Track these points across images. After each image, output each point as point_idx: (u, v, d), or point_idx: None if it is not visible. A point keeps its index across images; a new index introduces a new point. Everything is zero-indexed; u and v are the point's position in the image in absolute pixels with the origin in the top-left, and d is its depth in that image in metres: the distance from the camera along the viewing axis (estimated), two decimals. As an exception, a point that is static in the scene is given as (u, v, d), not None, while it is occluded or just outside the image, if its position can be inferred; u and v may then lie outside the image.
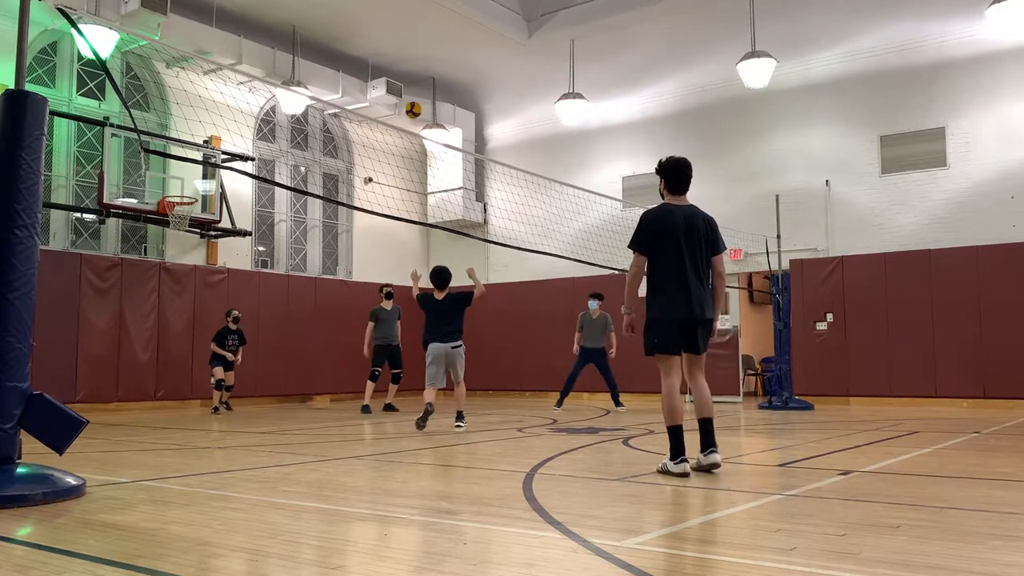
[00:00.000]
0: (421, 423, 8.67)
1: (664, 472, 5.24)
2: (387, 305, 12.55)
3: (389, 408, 12.40)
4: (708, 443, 5.34)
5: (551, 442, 7.65)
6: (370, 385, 12.26)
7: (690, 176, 5.57)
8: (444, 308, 9.06)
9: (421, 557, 3.25)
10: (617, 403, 12.34)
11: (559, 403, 12.55)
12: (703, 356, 5.55)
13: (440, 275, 9.34)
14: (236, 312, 12.71)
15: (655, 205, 5.57)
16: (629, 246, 5.56)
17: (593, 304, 12.45)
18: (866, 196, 14.08)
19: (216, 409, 12.22)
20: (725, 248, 5.69)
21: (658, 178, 5.65)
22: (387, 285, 12.96)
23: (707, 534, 3.66)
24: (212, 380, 12.46)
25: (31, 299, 4.73)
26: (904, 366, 13.10)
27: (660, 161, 5.61)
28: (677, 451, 5.20)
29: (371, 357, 12.40)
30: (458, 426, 8.95)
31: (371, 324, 12.38)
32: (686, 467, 5.15)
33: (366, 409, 12.16)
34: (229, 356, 12.43)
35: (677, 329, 5.42)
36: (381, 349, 12.43)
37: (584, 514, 3.96)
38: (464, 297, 9.12)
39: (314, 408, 13.95)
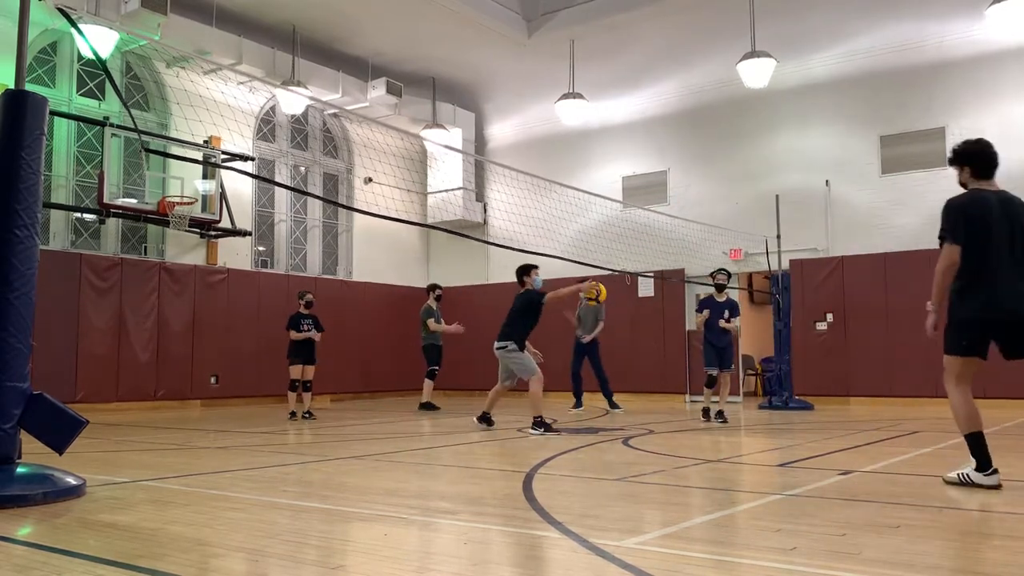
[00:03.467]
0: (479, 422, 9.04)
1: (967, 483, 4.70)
2: (434, 305, 12.93)
3: (429, 407, 12.55)
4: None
5: (551, 442, 7.65)
6: (429, 384, 12.71)
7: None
8: (512, 307, 9.14)
9: (421, 557, 3.25)
10: (612, 404, 12.08)
11: (577, 404, 12.31)
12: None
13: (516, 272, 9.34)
14: (310, 295, 11.48)
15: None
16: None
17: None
18: (866, 196, 14.07)
19: (293, 415, 10.97)
20: None
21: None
22: (436, 286, 13.31)
23: (707, 534, 3.65)
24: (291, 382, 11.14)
25: (31, 299, 4.73)
26: (904, 366, 13.08)
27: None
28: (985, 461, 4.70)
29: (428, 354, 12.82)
30: (531, 432, 8.40)
31: (432, 320, 12.80)
32: (997, 479, 4.64)
33: (430, 406, 12.45)
34: (313, 334, 11.05)
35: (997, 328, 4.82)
36: (433, 348, 12.81)
37: (584, 514, 3.96)
38: (528, 295, 8.99)
39: (314, 408, 13.93)
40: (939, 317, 4.86)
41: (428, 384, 12.78)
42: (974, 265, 4.74)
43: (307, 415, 11.03)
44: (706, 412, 9.98)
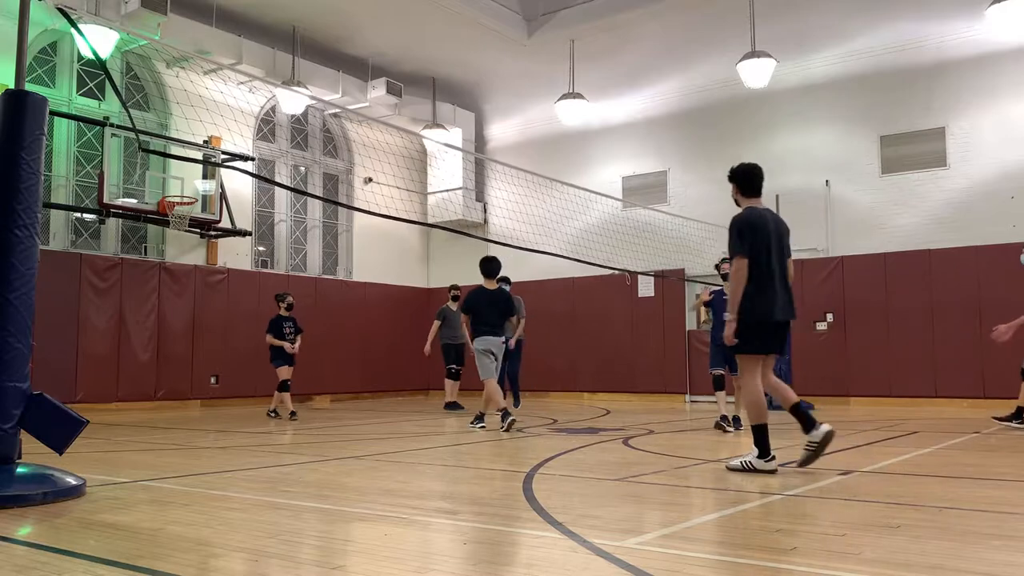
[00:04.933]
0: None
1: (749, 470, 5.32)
2: (453, 306, 12.89)
3: (454, 406, 12.54)
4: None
5: (551, 442, 7.65)
6: (451, 383, 12.76)
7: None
8: (500, 305, 9.28)
9: (421, 557, 3.25)
10: (515, 403, 11.78)
11: (515, 403, 12.05)
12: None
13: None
14: (291, 298, 11.45)
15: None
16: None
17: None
18: (866, 196, 14.07)
19: (274, 413, 11.19)
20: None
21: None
22: (455, 287, 13.36)
23: (707, 534, 3.66)
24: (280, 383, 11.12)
25: (31, 299, 4.73)
26: (904, 366, 13.09)
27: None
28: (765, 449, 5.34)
29: (432, 353, 12.86)
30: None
31: (437, 323, 12.87)
32: (775, 464, 5.29)
33: (455, 406, 12.45)
34: (288, 346, 10.99)
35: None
36: (450, 347, 12.86)
37: (584, 514, 3.96)
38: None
39: (314, 408, 13.95)
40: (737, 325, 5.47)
41: (448, 384, 12.77)
42: (757, 274, 5.44)
43: (273, 413, 11.25)
44: (724, 420, 8.63)
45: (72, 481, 4.59)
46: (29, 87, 5.29)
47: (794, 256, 6.07)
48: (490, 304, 9.01)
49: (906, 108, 13.79)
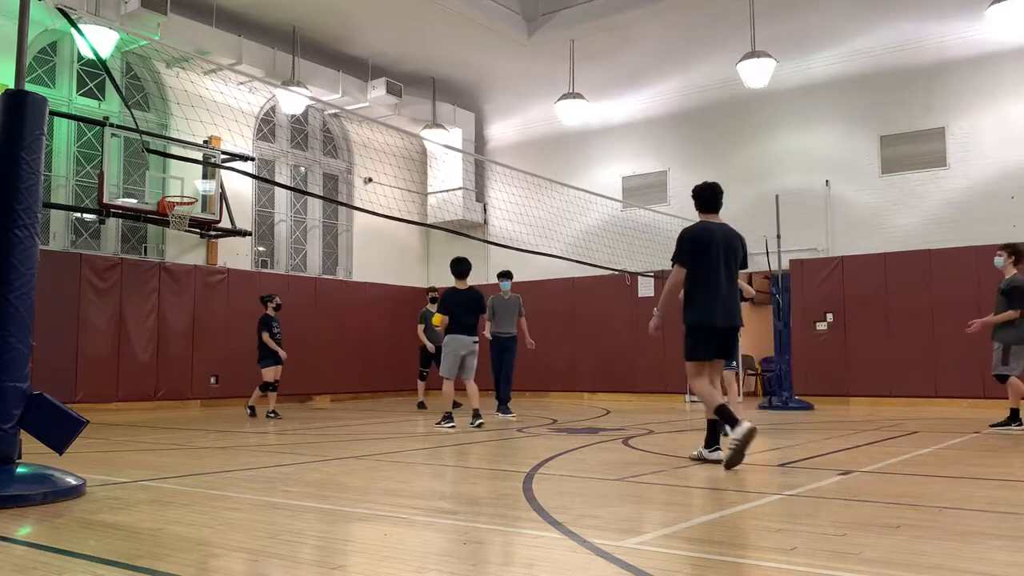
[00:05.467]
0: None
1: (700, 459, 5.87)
2: (433, 308, 12.97)
3: (421, 406, 12.86)
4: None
5: (551, 442, 7.65)
6: (423, 385, 13.23)
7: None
8: (473, 307, 9.57)
9: (421, 557, 3.25)
10: (504, 408, 11.03)
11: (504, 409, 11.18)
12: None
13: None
14: (278, 299, 11.62)
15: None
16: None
17: (506, 285, 11.35)
18: (866, 196, 14.07)
19: (251, 413, 11.32)
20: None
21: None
22: (433, 289, 13.55)
23: (707, 534, 3.65)
24: (259, 385, 11.28)
25: (31, 299, 4.73)
26: (904, 366, 13.09)
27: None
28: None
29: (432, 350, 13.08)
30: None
31: (420, 326, 13.16)
32: (720, 454, 5.73)
33: (421, 405, 12.92)
34: (282, 352, 11.16)
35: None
36: (423, 350, 13.17)
37: (584, 514, 3.96)
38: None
39: (314, 408, 13.95)
40: (661, 321, 6.14)
41: (420, 385, 13.31)
42: (699, 283, 5.88)
43: (272, 414, 11.25)
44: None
45: (72, 481, 4.59)
46: (29, 87, 5.29)
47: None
48: (464, 304, 9.23)
49: (906, 108, 13.79)
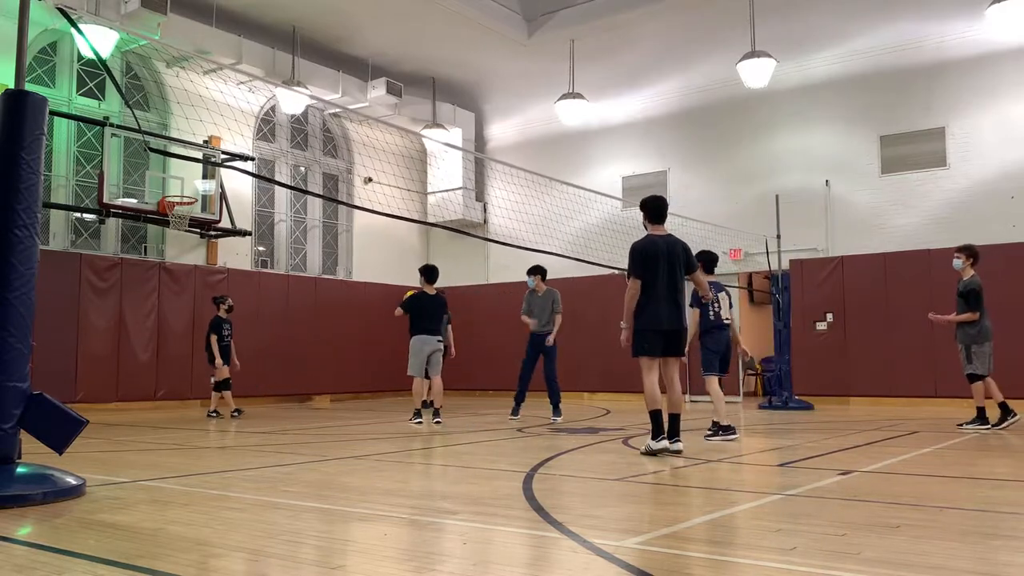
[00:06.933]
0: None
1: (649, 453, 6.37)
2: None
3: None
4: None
5: (551, 442, 7.65)
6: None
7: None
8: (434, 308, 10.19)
9: (421, 557, 3.24)
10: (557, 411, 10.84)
11: (515, 411, 11.03)
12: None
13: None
14: (231, 300, 11.66)
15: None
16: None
17: (531, 281, 10.83)
18: (866, 196, 14.07)
19: (217, 413, 11.31)
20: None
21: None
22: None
23: (707, 534, 3.65)
24: (213, 381, 11.34)
25: (31, 299, 4.73)
26: (904, 366, 13.08)
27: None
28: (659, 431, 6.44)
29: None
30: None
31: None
32: (664, 444, 6.33)
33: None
34: (219, 361, 11.13)
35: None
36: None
37: (584, 514, 3.96)
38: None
39: (314, 408, 13.95)
40: (630, 332, 6.51)
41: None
42: (652, 291, 6.44)
43: (215, 414, 11.31)
44: (715, 426, 8.03)
45: (72, 481, 4.58)
46: (29, 87, 5.29)
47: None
48: (430, 307, 9.95)
49: (906, 108, 13.79)
